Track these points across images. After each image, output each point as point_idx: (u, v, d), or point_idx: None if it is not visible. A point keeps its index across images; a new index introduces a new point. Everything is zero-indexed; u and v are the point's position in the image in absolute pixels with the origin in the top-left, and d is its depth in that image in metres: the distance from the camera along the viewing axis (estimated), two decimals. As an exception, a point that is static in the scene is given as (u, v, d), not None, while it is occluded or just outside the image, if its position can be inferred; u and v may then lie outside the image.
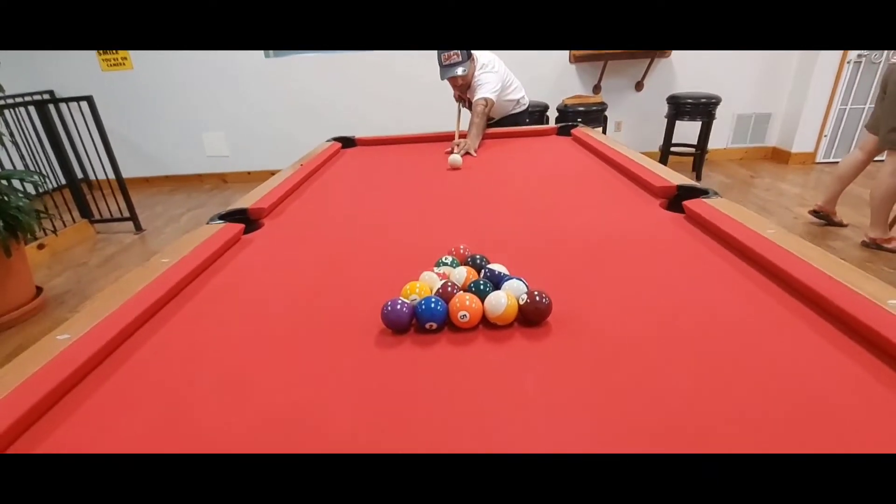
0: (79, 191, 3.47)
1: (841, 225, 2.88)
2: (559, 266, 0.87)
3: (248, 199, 1.28)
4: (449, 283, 0.71)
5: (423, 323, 0.67)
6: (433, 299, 0.67)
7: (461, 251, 0.84)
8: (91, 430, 0.53)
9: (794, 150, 4.23)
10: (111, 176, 3.44)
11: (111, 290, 0.80)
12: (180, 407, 0.56)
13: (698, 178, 4.03)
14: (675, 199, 1.17)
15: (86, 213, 3.51)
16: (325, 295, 0.81)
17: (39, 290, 2.46)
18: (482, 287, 0.69)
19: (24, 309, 2.29)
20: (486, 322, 0.68)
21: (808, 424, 0.48)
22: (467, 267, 0.76)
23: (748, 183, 3.88)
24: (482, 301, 0.67)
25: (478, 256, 0.81)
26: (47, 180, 3.27)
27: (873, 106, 2.75)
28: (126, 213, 3.49)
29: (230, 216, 1.18)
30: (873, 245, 2.62)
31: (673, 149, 4.07)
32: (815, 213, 2.94)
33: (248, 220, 1.20)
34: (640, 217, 1.08)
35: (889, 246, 2.62)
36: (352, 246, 1.02)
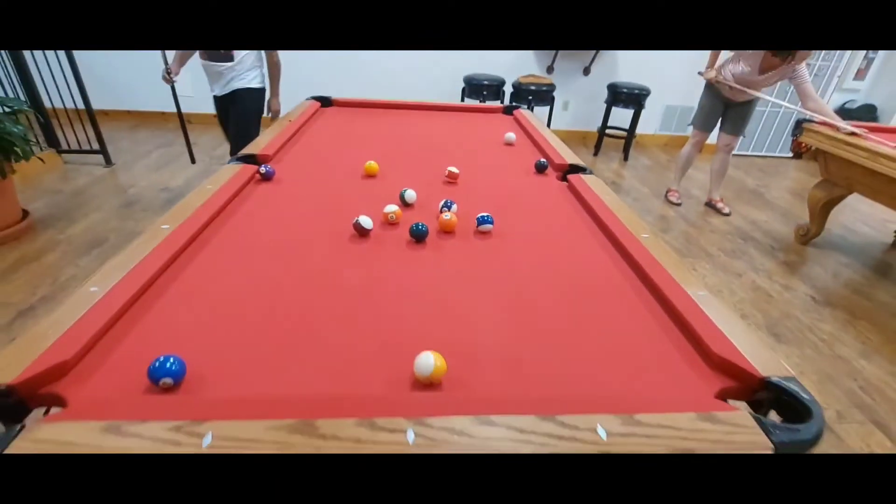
0: (45, 118, 3.52)
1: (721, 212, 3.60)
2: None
3: (255, 146, 1.65)
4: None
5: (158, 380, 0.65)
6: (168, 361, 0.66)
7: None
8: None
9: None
10: (76, 105, 3.49)
11: (145, 236, 1.18)
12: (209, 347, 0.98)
13: (626, 159, 4.64)
14: (568, 171, 1.68)
15: (52, 142, 3.58)
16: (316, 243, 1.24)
17: (26, 212, 2.66)
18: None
19: (16, 228, 2.50)
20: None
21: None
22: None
23: (664, 167, 4.53)
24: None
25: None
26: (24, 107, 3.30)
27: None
28: (96, 146, 3.61)
29: (244, 159, 1.55)
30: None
31: (608, 131, 4.64)
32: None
33: (256, 163, 1.58)
34: (538, 184, 1.56)
35: (668, 194, 3.71)
36: (340, 193, 1.44)
